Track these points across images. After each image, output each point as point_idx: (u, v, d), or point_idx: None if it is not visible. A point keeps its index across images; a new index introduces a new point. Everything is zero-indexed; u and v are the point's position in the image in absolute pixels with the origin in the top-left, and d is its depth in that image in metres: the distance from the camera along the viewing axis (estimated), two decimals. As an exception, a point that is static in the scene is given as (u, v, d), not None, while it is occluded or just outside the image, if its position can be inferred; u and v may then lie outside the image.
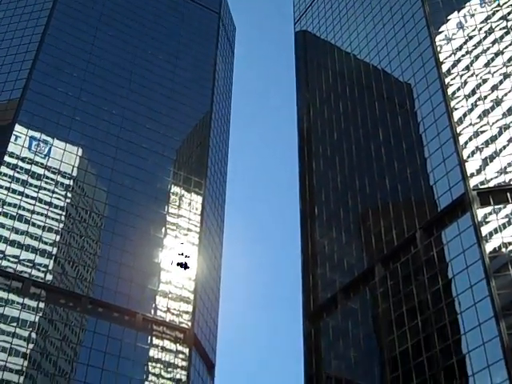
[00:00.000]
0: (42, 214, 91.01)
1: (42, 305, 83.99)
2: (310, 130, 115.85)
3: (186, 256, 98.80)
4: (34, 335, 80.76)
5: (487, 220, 72.55)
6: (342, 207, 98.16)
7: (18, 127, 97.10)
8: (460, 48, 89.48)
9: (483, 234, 71.06)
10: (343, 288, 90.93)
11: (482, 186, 75.42)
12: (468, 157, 78.55)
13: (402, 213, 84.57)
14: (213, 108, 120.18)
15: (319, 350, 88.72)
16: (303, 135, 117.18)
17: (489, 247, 69.99)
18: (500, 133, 78.94)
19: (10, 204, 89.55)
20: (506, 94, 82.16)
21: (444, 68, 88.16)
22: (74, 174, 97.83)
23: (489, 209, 73.30)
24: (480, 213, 73.18)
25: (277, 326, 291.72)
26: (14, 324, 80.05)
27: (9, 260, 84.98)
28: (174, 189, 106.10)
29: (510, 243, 69.73)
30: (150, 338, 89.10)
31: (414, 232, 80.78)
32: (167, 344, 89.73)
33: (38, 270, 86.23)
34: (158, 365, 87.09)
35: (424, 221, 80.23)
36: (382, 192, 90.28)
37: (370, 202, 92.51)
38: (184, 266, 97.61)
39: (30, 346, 79.73)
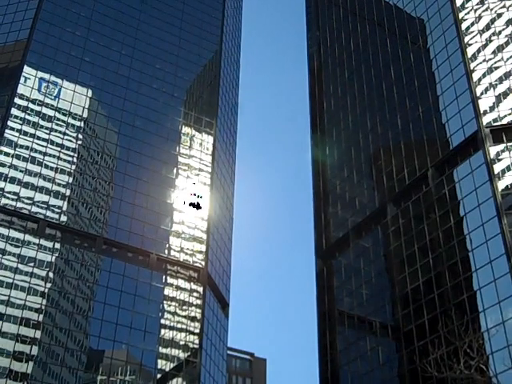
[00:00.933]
0: (54, 156, 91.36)
1: (57, 245, 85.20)
2: (320, 69, 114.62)
3: (198, 196, 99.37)
4: (51, 275, 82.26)
5: (500, 158, 72.43)
6: (354, 147, 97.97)
7: (26, 69, 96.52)
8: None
9: (495, 172, 71.08)
10: (355, 227, 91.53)
11: (495, 124, 75.00)
12: (481, 94, 77.88)
13: (413, 151, 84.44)
14: (222, 47, 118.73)
15: (331, 287, 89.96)
16: (314, 74, 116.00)
17: (501, 185, 70.11)
18: (514, 69, 78.01)
19: (22, 146, 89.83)
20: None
21: (458, 2, 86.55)
22: (85, 115, 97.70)
23: (501, 146, 73.11)
24: (492, 150, 73.02)
25: (289, 265, 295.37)
26: (32, 264, 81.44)
27: (23, 201, 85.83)
28: (185, 129, 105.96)
29: (522, 181, 69.77)
30: (164, 277, 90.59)
31: (425, 170, 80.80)
32: (181, 283, 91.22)
33: (53, 212, 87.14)
34: (173, 303, 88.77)
35: (436, 159, 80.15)
36: (394, 131, 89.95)
37: (381, 141, 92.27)
38: (196, 206, 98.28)
39: (48, 285, 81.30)
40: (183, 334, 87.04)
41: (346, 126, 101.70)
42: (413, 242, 77.68)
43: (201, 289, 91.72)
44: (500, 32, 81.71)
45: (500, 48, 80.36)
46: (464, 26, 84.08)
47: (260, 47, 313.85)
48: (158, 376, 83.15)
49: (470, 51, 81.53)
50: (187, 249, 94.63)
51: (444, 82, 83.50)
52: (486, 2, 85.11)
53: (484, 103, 76.88)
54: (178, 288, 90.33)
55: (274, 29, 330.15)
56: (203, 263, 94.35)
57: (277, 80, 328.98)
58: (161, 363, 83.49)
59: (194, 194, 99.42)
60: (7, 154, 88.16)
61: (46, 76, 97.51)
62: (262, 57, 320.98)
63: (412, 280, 75.43)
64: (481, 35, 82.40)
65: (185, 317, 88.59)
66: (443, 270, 71.69)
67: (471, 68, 79.95)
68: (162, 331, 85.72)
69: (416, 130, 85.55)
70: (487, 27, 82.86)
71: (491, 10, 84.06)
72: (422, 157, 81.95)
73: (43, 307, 79.27)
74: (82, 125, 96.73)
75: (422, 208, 78.60)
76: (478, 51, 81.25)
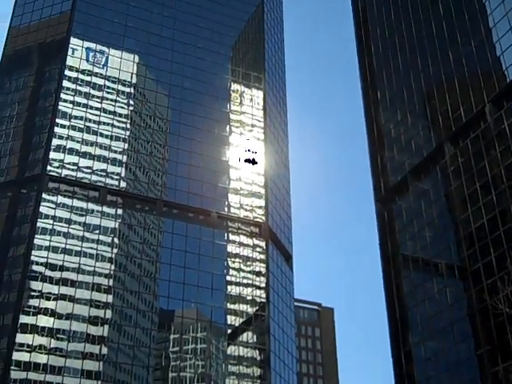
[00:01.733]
0: (108, 124, 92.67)
1: (119, 211, 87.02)
2: (365, 10, 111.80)
3: (252, 152, 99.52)
4: (116, 240, 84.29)
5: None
6: (405, 88, 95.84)
7: (73, 40, 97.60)
8: None
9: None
10: (413, 169, 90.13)
11: (553, 51, 72.21)
12: (536, 22, 74.87)
13: (468, 88, 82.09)
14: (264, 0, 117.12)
15: (394, 232, 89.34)
16: (359, 18, 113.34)
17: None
18: None
19: (76, 117, 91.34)
20: None
21: None
22: (134, 81, 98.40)
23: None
24: (552, 79, 70.50)
25: (349, 212, 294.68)
26: (97, 231, 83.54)
27: (83, 171, 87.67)
28: (234, 86, 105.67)
29: None
30: (226, 234, 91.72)
31: (482, 106, 78.58)
32: (244, 239, 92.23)
33: (112, 179, 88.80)
34: (237, 259, 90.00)
35: (493, 94, 77.76)
36: (446, 68, 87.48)
37: (434, 79, 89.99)
38: (252, 161, 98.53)
39: (115, 250, 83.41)
40: (249, 289, 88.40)
41: (395, 67, 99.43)
42: (474, 181, 76.13)
43: (263, 243, 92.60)
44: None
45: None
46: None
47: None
48: (229, 331, 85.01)
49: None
50: (246, 205, 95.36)
51: (496, 13, 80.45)
52: None
53: (539, 31, 73.97)
54: (240, 244, 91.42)
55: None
56: (263, 218, 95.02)
57: (321, 29, 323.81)
58: (230, 319, 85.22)
59: (249, 150, 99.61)
60: (63, 126, 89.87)
61: (93, 45, 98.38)
62: (304, 7, 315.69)
63: (476, 219, 74.20)
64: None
65: (250, 272, 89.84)
66: (508, 207, 70.29)
67: (523, -4, 76.75)
68: (229, 288, 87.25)
69: (470, 66, 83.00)
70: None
71: None
72: (478, 92, 79.65)
73: (112, 272, 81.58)
74: (132, 90, 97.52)
75: (482, 145, 76.76)
76: (530, -23, 77.85)
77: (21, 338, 73.72)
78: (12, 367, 71.85)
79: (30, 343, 73.63)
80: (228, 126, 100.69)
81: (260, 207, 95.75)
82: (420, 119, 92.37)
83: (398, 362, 79.73)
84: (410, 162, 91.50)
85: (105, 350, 76.55)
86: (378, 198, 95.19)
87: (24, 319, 74.90)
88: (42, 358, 73.37)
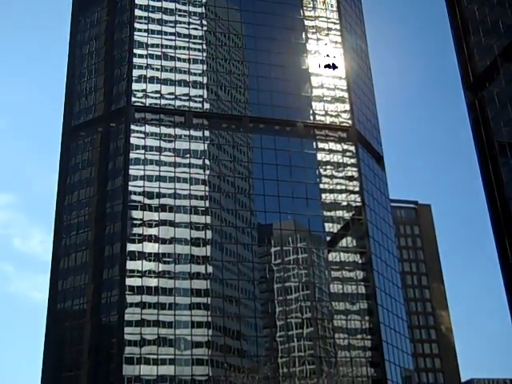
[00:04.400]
0: (184, 48, 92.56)
1: (207, 133, 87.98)
2: None
3: (332, 56, 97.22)
4: (207, 162, 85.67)
5: None
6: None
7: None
8: None
9: None
10: (502, 52, 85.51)
11: None
12: None
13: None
14: None
15: (487, 119, 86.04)
16: None
17: None
18: None
19: (152, 45, 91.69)
20: None
21: None
22: (204, 0, 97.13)
23: None
24: None
25: (437, 105, 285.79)
26: (187, 155, 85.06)
27: (166, 98, 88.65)
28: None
29: None
30: (314, 142, 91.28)
31: None
32: (332, 145, 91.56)
33: (195, 102, 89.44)
34: (328, 166, 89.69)
35: None
36: None
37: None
38: (332, 66, 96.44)
39: (207, 172, 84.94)
40: (344, 195, 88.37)
41: None
42: None
43: (352, 147, 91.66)
44: None
45: None
46: None
47: None
48: (328, 238, 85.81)
49: None
50: (332, 110, 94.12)
51: None
52: None
53: None
54: (330, 151, 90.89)
55: None
56: (350, 122, 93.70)
57: None
58: (328, 226, 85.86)
59: (328, 55, 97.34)
60: (141, 56, 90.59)
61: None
62: None
63: None
64: None
65: (342, 178, 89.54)
66: None
67: None
68: (323, 196, 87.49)
69: None
70: None
71: None
72: None
73: (207, 193, 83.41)
74: (204, 10, 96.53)
75: None
76: None
77: (131, 264, 77.28)
78: (127, 292, 75.71)
79: (140, 269, 77.14)
80: (304, 33, 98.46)
81: (345, 111, 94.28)
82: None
83: (503, 254, 78.41)
84: (499, 44, 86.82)
85: (210, 269, 79.29)
86: (467, 85, 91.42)
87: (131, 247, 78.26)
88: (152, 282, 76.91)
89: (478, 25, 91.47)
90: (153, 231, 79.71)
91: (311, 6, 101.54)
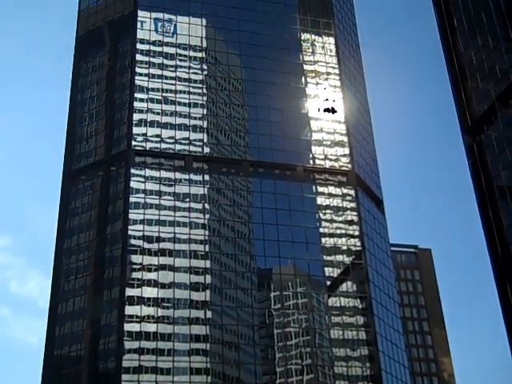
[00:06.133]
0: (184, 92, 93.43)
1: (206, 177, 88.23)
2: None
3: (331, 100, 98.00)
4: (207, 206, 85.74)
5: None
6: (483, 11, 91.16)
7: (140, 13, 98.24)
8: None
9: None
10: (500, 96, 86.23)
11: None
12: None
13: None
14: None
15: (485, 163, 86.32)
16: None
17: None
18: None
19: (153, 89, 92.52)
20: None
21: None
22: (204, 45, 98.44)
23: None
24: None
25: (436, 148, 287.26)
26: (187, 199, 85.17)
27: (166, 142, 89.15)
28: (304, 35, 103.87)
29: None
30: (314, 186, 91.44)
31: None
32: (332, 189, 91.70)
33: (195, 146, 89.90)
34: (328, 210, 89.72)
35: None
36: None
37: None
38: (331, 110, 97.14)
39: (207, 216, 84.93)
40: (344, 239, 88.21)
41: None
42: None
43: (352, 191, 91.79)
44: None
45: None
46: None
47: None
48: (328, 283, 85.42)
49: None
50: (331, 154, 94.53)
51: None
52: None
53: None
54: (329, 195, 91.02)
55: None
56: (350, 165, 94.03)
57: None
58: (328, 271, 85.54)
59: (327, 99, 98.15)
60: (142, 100, 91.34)
61: (160, 15, 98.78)
62: None
63: None
64: None
65: (342, 222, 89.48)
66: None
67: None
68: (323, 240, 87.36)
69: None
70: None
71: None
72: None
73: (206, 238, 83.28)
74: (204, 55, 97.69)
75: None
76: None
77: (129, 309, 76.74)
78: (125, 338, 75.05)
79: (139, 314, 76.58)
80: (303, 78, 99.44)
81: (345, 155, 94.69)
82: (503, 41, 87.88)
83: (504, 298, 77.94)
84: (496, 88, 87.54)
85: (209, 314, 78.75)
86: (465, 130, 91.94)
87: (130, 292, 77.81)
88: (151, 327, 76.29)
89: (475, 70, 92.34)
90: (152, 276, 79.41)
91: (310, 50, 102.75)
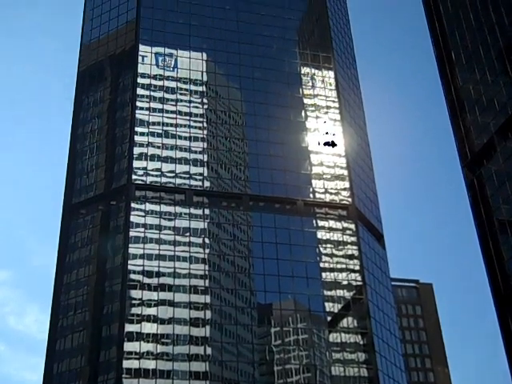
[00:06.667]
0: (185, 126, 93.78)
1: (207, 211, 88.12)
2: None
3: (331, 134, 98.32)
4: (207, 240, 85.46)
5: None
6: (481, 45, 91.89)
7: (141, 47, 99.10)
8: None
9: None
10: (499, 129, 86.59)
11: None
12: None
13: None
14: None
15: (485, 197, 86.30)
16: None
17: None
18: None
19: (154, 123, 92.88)
20: None
21: None
22: (205, 79, 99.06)
23: None
24: None
25: (436, 182, 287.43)
26: (187, 234, 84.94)
27: (167, 176, 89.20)
28: (304, 69, 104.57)
29: None
30: (314, 221, 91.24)
31: None
32: (332, 223, 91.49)
33: (195, 180, 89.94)
34: (328, 245, 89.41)
35: None
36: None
37: (510, 32, 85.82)
38: (332, 144, 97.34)
39: (207, 250, 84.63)
40: (344, 274, 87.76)
41: (468, 25, 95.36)
42: None
43: (353, 225, 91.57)
44: None
45: None
46: None
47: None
48: (328, 319, 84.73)
49: None
50: (331, 188, 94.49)
51: None
52: None
53: None
54: (330, 229, 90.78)
55: None
56: (350, 199, 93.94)
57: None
58: (328, 306, 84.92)
59: (327, 133, 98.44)
60: (142, 134, 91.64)
61: (161, 50, 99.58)
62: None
63: None
64: None
65: (342, 256, 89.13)
66: None
67: None
68: (324, 274, 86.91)
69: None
70: None
71: None
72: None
73: (207, 272, 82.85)
74: (204, 89, 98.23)
75: None
76: None
77: (128, 346, 76.06)
78: (124, 375, 74.24)
79: (138, 350, 75.86)
80: (303, 111, 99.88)
81: (345, 189, 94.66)
82: (500, 75, 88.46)
83: (506, 332, 77.35)
84: (495, 122, 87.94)
85: (209, 350, 78.03)
86: (465, 163, 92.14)
87: (129, 328, 77.21)
88: (150, 364, 75.52)
89: (473, 103, 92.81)
90: (152, 311, 78.86)
91: (310, 84, 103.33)
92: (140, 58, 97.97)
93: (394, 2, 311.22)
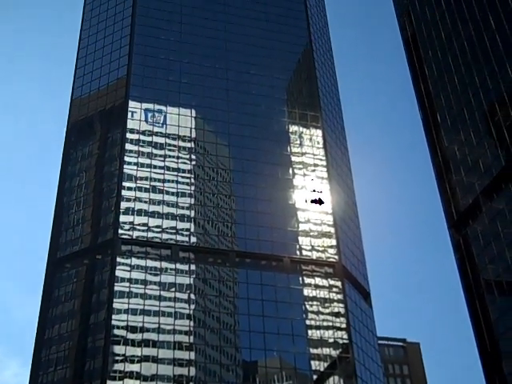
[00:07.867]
0: (172, 181, 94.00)
1: (193, 267, 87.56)
2: (414, 36, 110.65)
3: (318, 192, 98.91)
4: (192, 296, 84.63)
5: None
6: (465, 108, 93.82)
7: (131, 103, 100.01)
8: None
9: None
10: (484, 190, 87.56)
11: None
12: None
13: (532, 100, 79.60)
14: (311, 38, 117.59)
15: (472, 257, 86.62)
16: (409, 43, 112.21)
17: None
18: None
19: (141, 178, 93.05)
20: None
21: None
22: (193, 135, 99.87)
23: None
24: None
25: (422, 241, 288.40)
26: (173, 289, 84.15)
27: (153, 231, 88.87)
28: (292, 128, 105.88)
29: None
30: (301, 278, 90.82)
31: (548, 117, 75.95)
32: (319, 281, 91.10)
33: (182, 235, 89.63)
34: (315, 302, 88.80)
35: (558, 103, 75.14)
36: (506, 82, 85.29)
37: (494, 95, 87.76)
38: (319, 201, 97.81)
39: (192, 306, 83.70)
40: (331, 332, 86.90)
41: (452, 88, 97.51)
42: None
43: (339, 283, 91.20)
44: None
45: None
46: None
47: (349, 31, 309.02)
48: (314, 377, 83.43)
49: None
50: (318, 246, 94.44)
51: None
52: None
53: None
54: (316, 286, 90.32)
55: (359, 10, 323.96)
56: (337, 257, 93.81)
57: (373, 58, 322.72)
58: (314, 364, 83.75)
59: (314, 190, 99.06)
60: (130, 189, 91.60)
61: (151, 106, 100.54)
62: (353, 40, 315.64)
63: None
64: None
65: (329, 314, 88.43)
66: None
67: None
68: (310, 332, 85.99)
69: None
70: None
71: None
72: (543, 103, 77.07)
73: (192, 329, 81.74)
74: (193, 145, 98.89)
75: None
76: None
77: (110, 403, 74.33)
78: (104, 434, 72.36)
79: (119, 408, 74.16)
80: (291, 169, 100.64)
81: (332, 247, 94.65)
82: (485, 137, 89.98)
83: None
84: (480, 182, 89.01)
85: (192, 409, 76.44)
86: (451, 223, 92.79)
87: (111, 384, 75.56)
88: (132, 422, 73.76)
89: (458, 164, 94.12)
90: (135, 367, 77.33)
91: (298, 142, 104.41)
92: (129, 114, 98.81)
93: (381, 64, 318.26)
